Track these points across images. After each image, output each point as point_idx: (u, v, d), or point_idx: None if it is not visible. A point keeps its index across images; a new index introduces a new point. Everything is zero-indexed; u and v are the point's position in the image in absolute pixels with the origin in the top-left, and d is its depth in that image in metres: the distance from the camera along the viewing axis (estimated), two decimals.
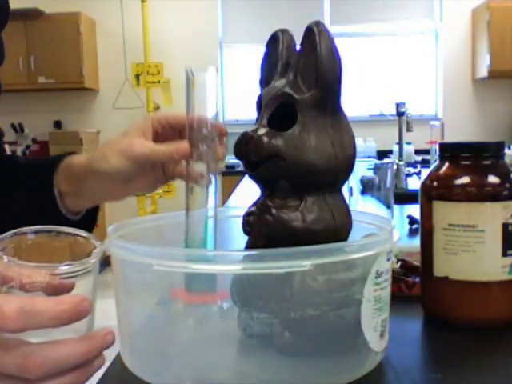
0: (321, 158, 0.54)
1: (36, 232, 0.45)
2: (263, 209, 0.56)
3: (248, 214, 0.59)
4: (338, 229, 0.56)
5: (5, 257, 0.40)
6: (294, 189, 0.55)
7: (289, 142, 0.54)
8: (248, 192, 2.34)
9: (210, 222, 0.59)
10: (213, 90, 0.57)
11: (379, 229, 0.59)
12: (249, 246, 0.58)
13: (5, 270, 0.40)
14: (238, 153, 0.56)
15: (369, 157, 4.20)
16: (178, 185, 2.27)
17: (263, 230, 0.55)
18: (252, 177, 0.58)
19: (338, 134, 0.56)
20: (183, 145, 0.59)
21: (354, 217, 0.58)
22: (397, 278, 0.74)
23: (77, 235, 0.46)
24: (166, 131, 0.68)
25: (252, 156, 0.55)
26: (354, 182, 0.90)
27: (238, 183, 2.56)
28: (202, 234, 0.58)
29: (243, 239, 0.59)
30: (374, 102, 4.79)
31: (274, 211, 0.54)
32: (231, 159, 4.01)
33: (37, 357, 0.38)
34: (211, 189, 0.59)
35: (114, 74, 4.75)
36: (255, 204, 0.59)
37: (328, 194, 0.56)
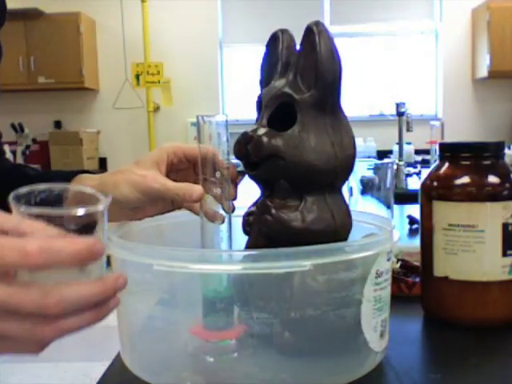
0: (321, 158, 0.54)
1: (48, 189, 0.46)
2: (263, 209, 0.56)
3: (248, 214, 0.59)
4: (338, 229, 0.56)
5: (23, 206, 0.42)
6: (293, 189, 0.55)
7: (288, 142, 0.54)
8: (248, 192, 2.34)
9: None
10: (224, 134, 0.57)
11: (379, 229, 0.59)
12: (249, 246, 0.58)
13: (18, 224, 0.42)
14: (237, 153, 0.56)
15: (369, 157, 4.20)
16: None
17: (263, 230, 0.55)
18: (252, 177, 0.58)
19: (338, 133, 0.56)
20: (197, 189, 0.59)
21: (354, 217, 0.58)
22: (397, 278, 0.74)
23: (83, 192, 0.47)
24: (182, 163, 0.68)
25: (252, 156, 0.55)
26: (354, 181, 0.90)
27: (238, 183, 2.55)
28: None
29: (243, 239, 0.59)
30: (374, 102, 4.79)
31: (273, 211, 0.54)
32: (232, 159, 4.00)
33: (55, 295, 0.40)
34: (225, 226, 0.59)
35: (114, 74, 4.75)
36: (255, 204, 0.59)
37: (328, 193, 0.56)
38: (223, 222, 0.58)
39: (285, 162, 0.54)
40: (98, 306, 0.43)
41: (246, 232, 0.59)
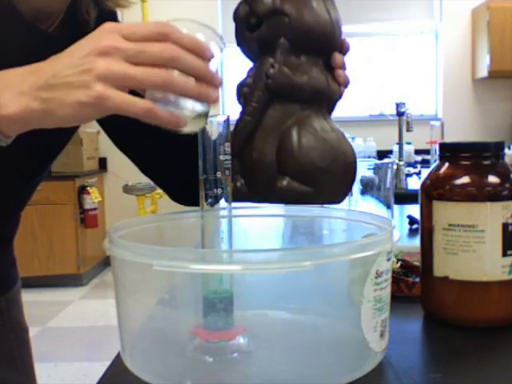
0: (319, 21, 0.58)
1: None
2: (264, 65, 0.59)
3: (242, 85, 0.60)
4: (332, 96, 0.61)
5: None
6: (293, 49, 0.59)
7: (292, 1, 0.58)
8: None
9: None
10: (225, 134, 0.58)
11: (379, 229, 0.59)
12: (243, 114, 0.60)
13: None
14: (237, 14, 0.59)
15: (369, 157, 4.20)
16: None
17: (268, 83, 0.58)
18: (245, 43, 0.61)
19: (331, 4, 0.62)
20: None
21: (353, 217, 0.58)
22: (397, 278, 0.74)
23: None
24: None
25: (255, 13, 0.58)
26: None
27: None
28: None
29: (243, 239, 0.59)
30: (374, 102, 4.79)
31: (276, 65, 0.58)
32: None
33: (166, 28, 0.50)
34: (225, 226, 0.59)
35: None
36: (248, 75, 0.60)
37: (323, 60, 0.61)
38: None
39: (289, 19, 0.57)
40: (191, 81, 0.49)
41: (240, 104, 0.61)
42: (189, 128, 0.52)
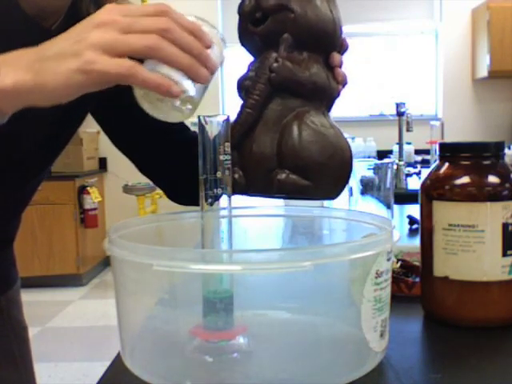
0: (323, 19, 0.60)
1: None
2: (267, 59, 0.60)
3: (244, 79, 0.61)
4: (331, 93, 0.62)
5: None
6: (296, 45, 0.60)
7: None
8: None
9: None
10: (225, 134, 0.58)
11: (379, 229, 0.59)
12: (244, 107, 0.60)
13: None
14: (243, 7, 0.60)
15: (369, 157, 4.20)
16: None
17: (271, 77, 0.59)
18: (248, 37, 0.61)
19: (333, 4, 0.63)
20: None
21: (353, 217, 0.58)
22: (397, 278, 0.74)
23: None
24: None
25: (261, 8, 0.59)
26: (354, 181, 0.90)
27: None
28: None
29: (243, 239, 0.59)
30: (374, 102, 4.79)
31: (280, 59, 0.59)
32: None
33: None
34: (225, 226, 0.59)
35: None
36: (249, 70, 0.61)
37: (324, 59, 0.62)
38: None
39: (294, 15, 0.58)
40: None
41: (241, 97, 0.61)
42: (174, 115, 0.52)
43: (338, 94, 0.64)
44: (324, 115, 0.62)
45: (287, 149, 0.58)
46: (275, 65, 0.59)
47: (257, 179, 0.60)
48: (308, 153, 0.58)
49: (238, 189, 0.61)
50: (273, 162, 0.59)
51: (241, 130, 0.60)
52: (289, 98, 0.60)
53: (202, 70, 0.51)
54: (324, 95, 0.62)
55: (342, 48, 0.64)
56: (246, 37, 0.62)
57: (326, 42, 0.61)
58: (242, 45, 0.63)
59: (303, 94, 0.60)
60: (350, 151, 0.62)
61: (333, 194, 0.63)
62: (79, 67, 0.48)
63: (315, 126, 0.59)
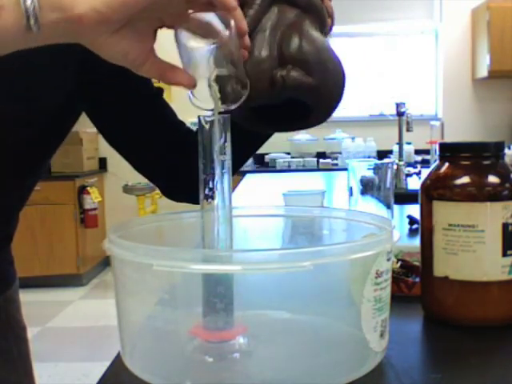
0: None
1: None
2: None
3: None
4: (325, 17, 0.66)
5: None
6: None
7: None
8: (248, 192, 2.34)
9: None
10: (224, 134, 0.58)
11: (379, 229, 0.59)
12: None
13: None
14: None
15: (369, 157, 4.21)
16: None
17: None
18: None
19: None
20: None
21: (353, 217, 0.58)
22: (397, 278, 0.74)
23: None
24: None
25: None
26: (354, 181, 0.90)
27: (238, 183, 2.56)
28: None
29: (243, 239, 0.59)
30: (374, 102, 4.79)
31: None
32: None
33: None
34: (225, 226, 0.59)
35: None
36: None
37: None
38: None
39: None
40: None
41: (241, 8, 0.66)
42: (202, 101, 0.53)
43: (330, 29, 0.67)
44: (317, 30, 0.65)
45: (289, 48, 0.61)
46: None
47: (259, 83, 0.61)
48: (310, 49, 0.61)
49: (234, 98, 0.58)
50: (274, 62, 0.62)
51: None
52: (285, 8, 0.63)
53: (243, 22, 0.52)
54: (318, 14, 0.65)
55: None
56: None
57: None
58: None
59: (299, 5, 0.63)
60: (343, 68, 0.65)
61: (332, 102, 0.65)
62: None
63: (312, 32, 0.63)
